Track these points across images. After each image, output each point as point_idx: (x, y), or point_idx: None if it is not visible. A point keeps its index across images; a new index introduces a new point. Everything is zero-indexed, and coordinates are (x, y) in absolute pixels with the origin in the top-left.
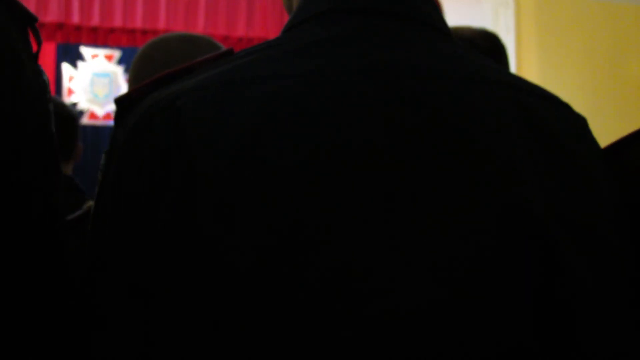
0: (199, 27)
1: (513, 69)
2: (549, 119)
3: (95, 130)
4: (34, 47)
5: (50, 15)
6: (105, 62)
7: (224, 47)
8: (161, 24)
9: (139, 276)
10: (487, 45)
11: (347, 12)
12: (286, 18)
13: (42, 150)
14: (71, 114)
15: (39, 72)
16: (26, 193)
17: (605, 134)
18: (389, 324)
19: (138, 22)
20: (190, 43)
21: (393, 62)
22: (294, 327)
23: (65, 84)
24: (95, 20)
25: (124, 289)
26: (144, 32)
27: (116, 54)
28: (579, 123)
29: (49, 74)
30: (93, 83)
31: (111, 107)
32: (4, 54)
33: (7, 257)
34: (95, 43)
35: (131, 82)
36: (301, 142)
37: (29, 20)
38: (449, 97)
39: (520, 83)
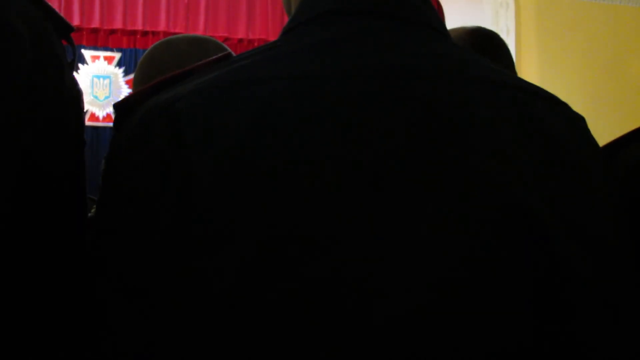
0: (200, 28)
1: None
2: (547, 118)
3: (96, 131)
4: (69, 57)
5: None
6: (105, 64)
7: (231, 50)
8: (161, 26)
9: (138, 278)
10: (479, 44)
11: (345, 13)
12: (286, 20)
13: (76, 156)
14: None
15: (75, 81)
16: (63, 197)
17: (604, 134)
18: (385, 330)
19: (138, 24)
20: (199, 45)
21: (391, 63)
22: (287, 329)
23: None
24: (96, 22)
25: (122, 291)
26: (145, 34)
27: (116, 55)
28: (578, 122)
29: None
30: (93, 85)
31: (111, 109)
32: (50, 59)
33: (39, 253)
34: (95, 45)
35: (138, 84)
36: (299, 144)
37: (66, 30)
38: (448, 98)
39: (518, 83)
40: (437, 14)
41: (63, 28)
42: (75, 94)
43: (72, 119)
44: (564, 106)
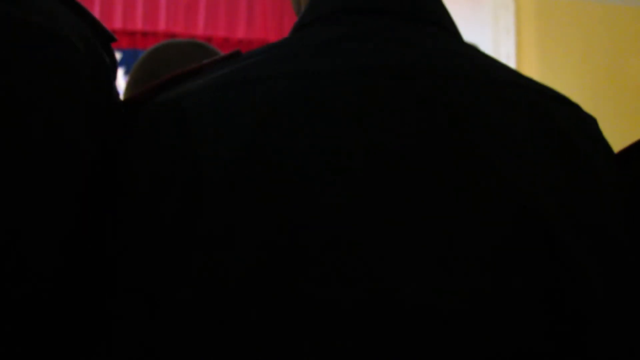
0: (199, 29)
1: None
2: (560, 119)
3: None
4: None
5: None
6: None
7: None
8: (161, 26)
9: (142, 278)
10: None
11: (355, 12)
12: (286, 20)
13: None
14: None
15: (117, 93)
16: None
17: (604, 135)
18: (394, 329)
19: (138, 24)
20: (202, 49)
21: (402, 62)
22: (295, 330)
23: None
24: None
25: (128, 290)
26: (144, 34)
27: (117, 56)
28: (590, 124)
29: None
30: None
31: None
32: (101, 74)
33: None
34: None
35: (138, 83)
36: (308, 143)
37: (107, 40)
38: (458, 97)
39: (530, 84)
40: (448, 13)
41: (105, 38)
42: (119, 107)
43: (118, 131)
44: (577, 107)
